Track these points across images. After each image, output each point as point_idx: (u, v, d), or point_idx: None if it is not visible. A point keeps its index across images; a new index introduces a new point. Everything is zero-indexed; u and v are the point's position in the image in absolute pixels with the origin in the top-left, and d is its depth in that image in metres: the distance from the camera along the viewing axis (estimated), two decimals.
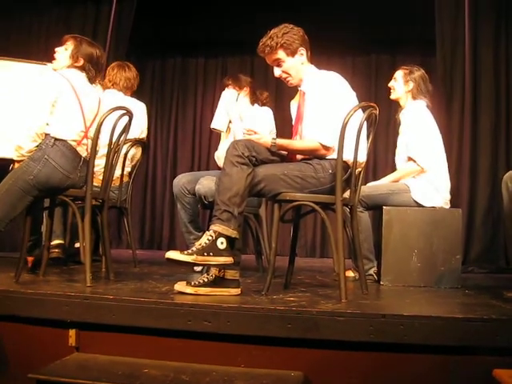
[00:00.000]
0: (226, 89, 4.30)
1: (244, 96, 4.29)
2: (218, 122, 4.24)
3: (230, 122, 4.22)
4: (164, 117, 7.76)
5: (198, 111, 7.66)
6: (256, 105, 4.36)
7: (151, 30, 7.03)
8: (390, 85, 4.09)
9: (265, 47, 3.05)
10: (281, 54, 3.05)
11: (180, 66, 7.79)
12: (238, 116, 4.12)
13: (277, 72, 3.11)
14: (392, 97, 4.08)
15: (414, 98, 3.96)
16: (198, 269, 4.03)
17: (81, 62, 3.25)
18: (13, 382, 2.71)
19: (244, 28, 6.80)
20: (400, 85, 4.01)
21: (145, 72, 7.78)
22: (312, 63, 3.17)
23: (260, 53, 3.09)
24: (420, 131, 3.83)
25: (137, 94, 6.88)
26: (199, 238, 3.90)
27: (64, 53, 3.27)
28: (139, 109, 4.47)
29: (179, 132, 7.72)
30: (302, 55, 3.06)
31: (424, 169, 3.79)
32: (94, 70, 3.30)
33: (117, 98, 4.31)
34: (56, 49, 3.31)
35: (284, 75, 3.11)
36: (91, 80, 3.31)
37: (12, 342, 2.76)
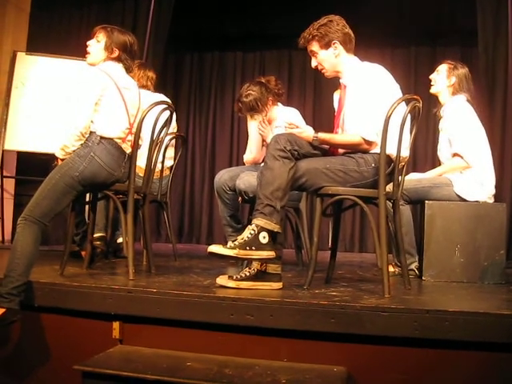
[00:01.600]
0: (253, 120, 4.21)
1: (272, 107, 4.23)
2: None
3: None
4: (202, 111, 7.78)
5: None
6: (280, 104, 4.32)
7: (188, 25, 7.04)
8: (431, 76, 4.00)
9: (301, 38, 3.08)
10: (314, 45, 3.05)
11: (218, 60, 7.80)
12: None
13: (313, 63, 3.12)
14: (432, 90, 3.99)
15: (454, 94, 3.88)
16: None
17: (116, 53, 3.19)
18: (57, 373, 2.77)
19: (281, 21, 6.78)
20: (442, 78, 3.92)
21: (183, 66, 7.84)
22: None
23: (298, 45, 3.10)
24: (463, 127, 3.75)
25: (175, 87, 6.95)
26: (238, 230, 3.95)
27: (97, 45, 3.20)
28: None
29: (217, 126, 7.74)
30: (335, 48, 3.03)
31: (470, 164, 3.72)
32: (130, 59, 3.25)
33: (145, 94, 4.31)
34: (88, 42, 3.25)
35: (319, 66, 3.11)
36: (128, 70, 3.28)
37: (57, 334, 2.82)
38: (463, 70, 3.92)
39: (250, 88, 4.09)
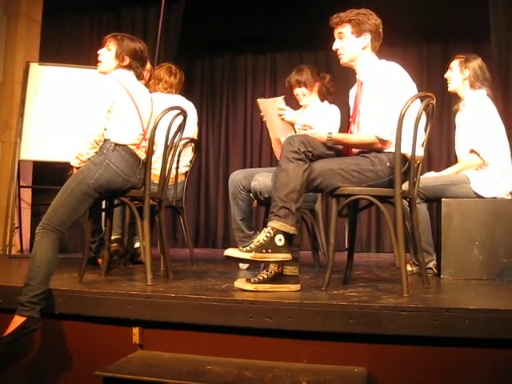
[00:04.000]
0: (297, 88, 4.23)
1: (314, 93, 4.26)
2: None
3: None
4: (215, 115, 7.80)
5: (249, 108, 7.67)
6: (326, 102, 4.32)
7: (198, 29, 7.07)
8: (446, 76, 3.98)
9: (335, 17, 3.06)
10: (346, 28, 3.04)
11: (229, 63, 7.82)
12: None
13: (335, 45, 3.09)
14: (450, 89, 3.96)
15: (472, 86, 3.85)
16: (244, 267, 4.05)
17: (127, 61, 3.20)
18: (79, 379, 2.78)
19: (291, 23, 6.77)
20: (456, 74, 3.90)
21: (194, 71, 7.86)
22: None
23: (330, 22, 3.09)
24: (483, 123, 3.72)
25: (187, 92, 6.94)
26: (249, 236, 3.94)
27: (108, 54, 3.22)
28: (190, 108, 4.48)
29: (230, 129, 7.76)
30: (365, 40, 3.03)
31: (486, 162, 3.69)
32: (140, 66, 3.27)
33: (164, 98, 4.33)
34: (99, 51, 3.27)
35: (340, 50, 3.09)
36: (139, 77, 3.29)
37: (77, 341, 2.84)
38: (476, 61, 3.87)
39: (305, 66, 4.31)
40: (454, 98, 3.93)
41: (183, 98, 4.56)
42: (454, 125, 4.03)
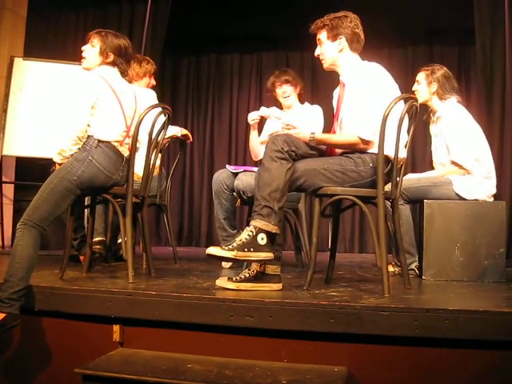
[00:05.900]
0: (285, 86, 4.29)
1: (295, 93, 4.31)
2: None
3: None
4: (200, 113, 7.80)
5: (234, 107, 7.68)
6: (306, 103, 4.34)
7: (185, 27, 7.05)
8: (413, 89, 3.99)
9: (313, 24, 3.12)
10: (322, 34, 3.09)
11: (215, 62, 7.83)
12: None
13: (317, 51, 3.15)
14: (419, 102, 3.96)
15: (442, 98, 3.87)
16: (227, 265, 4.05)
17: (111, 57, 3.19)
18: (58, 376, 2.77)
19: (278, 22, 6.77)
20: (423, 87, 3.92)
21: (180, 69, 7.86)
22: None
23: (309, 29, 3.15)
24: (460, 133, 3.74)
25: (173, 90, 6.94)
26: (232, 235, 3.96)
27: (92, 50, 3.20)
28: (147, 96, 4.35)
29: (215, 128, 7.76)
30: (340, 43, 3.05)
31: (469, 171, 3.73)
32: (124, 62, 3.25)
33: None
34: (83, 47, 3.24)
35: (321, 56, 3.14)
36: (123, 74, 3.28)
37: (57, 338, 2.82)
38: (441, 72, 3.89)
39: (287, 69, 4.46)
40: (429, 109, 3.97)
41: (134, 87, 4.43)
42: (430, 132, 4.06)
